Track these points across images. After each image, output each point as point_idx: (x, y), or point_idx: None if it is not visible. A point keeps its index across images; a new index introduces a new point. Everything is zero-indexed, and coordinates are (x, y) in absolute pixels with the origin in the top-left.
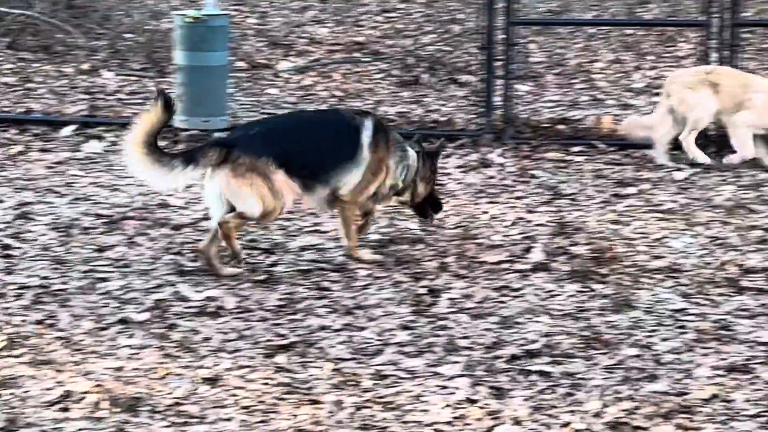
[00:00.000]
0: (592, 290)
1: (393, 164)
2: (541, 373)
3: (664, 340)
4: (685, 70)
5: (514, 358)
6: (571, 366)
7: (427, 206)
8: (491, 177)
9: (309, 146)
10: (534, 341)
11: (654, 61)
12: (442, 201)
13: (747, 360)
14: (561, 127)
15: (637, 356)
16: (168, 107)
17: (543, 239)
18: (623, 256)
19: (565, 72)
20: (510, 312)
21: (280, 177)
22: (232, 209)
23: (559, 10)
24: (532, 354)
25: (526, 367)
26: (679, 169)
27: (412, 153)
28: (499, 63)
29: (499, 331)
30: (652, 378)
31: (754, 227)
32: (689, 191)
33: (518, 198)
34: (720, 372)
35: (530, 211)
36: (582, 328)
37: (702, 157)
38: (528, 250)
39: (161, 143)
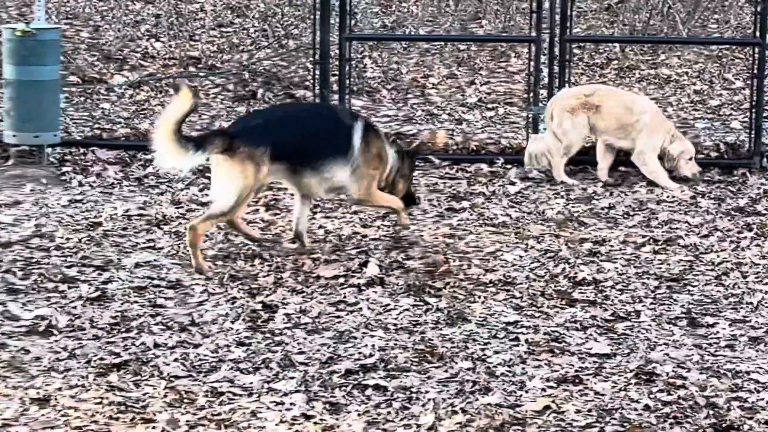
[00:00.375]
0: (427, 304)
1: (381, 162)
2: (377, 388)
3: (497, 352)
4: (568, 91)
5: (349, 372)
6: (406, 380)
7: (404, 198)
8: None
9: (303, 135)
10: (369, 355)
11: (487, 76)
12: (417, 196)
13: (578, 371)
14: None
15: (471, 369)
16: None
17: (378, 254)
18: (457, 270)
19: (400, 87)
20: (346, 327)
21: (266, 168)
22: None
23: (394, 25)
24: (367, 368)
25: (361, 382)
26: (511, 183)
27: (392, 153)
28: (333, 78)
29: (335, 346)
30: (486, 390)
31: (584, 240)
32: (522, 205)
33: (354, 213)
34: (552, 384)
35: (365, 226)
36: (417, 341)
37: (569, 182)
38: (364, 264)
39: None
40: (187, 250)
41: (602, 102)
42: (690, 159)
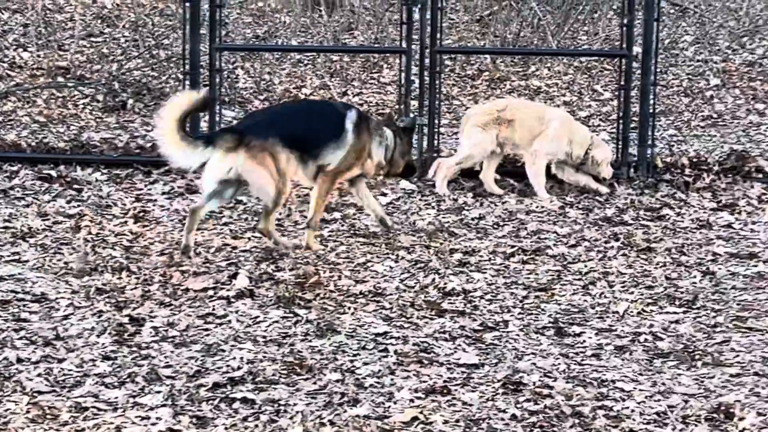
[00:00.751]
0: (297, 315)
1: (375, 147)
2: (244, 401)
3: (366, 363)
4: (480, 107)
5: (217, 386)
6: (274, 392)
7: (406, 172)
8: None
9: (306, 127)
10: (238, 368)
11: (360, 87)
12: (416, 166)
13: (446, 382)
14: None
15: (340, 381)
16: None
17: (248, 265)
18: (327, 281)
19: (273, 98)
20: (214, 339)
21: (284, 156)
22: (231, 183)
23: (266, 36)
24: (235, 381)
25: (229, 395)
26: (383, 194)
27: (389, 133)
28: (204, 89)
29: (203, 359)
30: (354, 402)
31: (454, 250)
32: (393, 216)
33: (225, 224)
34: (420, 395)
35: (236, 237)
36: (286, 353)
37: (446, 194)
38: (233, 276)
39: None
40: (272, 247)
41: (515, 115)
42: (608, 164)
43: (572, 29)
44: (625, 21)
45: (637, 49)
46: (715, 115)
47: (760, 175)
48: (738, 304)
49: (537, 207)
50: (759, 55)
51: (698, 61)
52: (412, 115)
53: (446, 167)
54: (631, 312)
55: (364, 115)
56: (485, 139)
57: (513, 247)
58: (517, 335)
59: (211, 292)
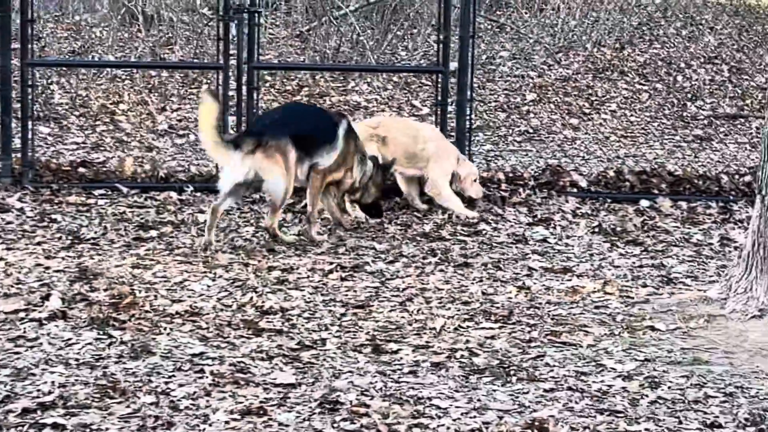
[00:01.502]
0: (111, 337)
1: (356, 165)
2: (55, 426)
3: (182, 385)
4: (355, 125)
5: (26, 411)
6: (86, 417)
7: (373, 209)
8: (9, 222)
9: (308, 128)
10: (49, 393)
11: (178, 103)
12: (383, 211)
13: (263, 402)
14: (83, 170)
15: (154, 403)
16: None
17: (61, 286)
18: (143, 301)
19: (89, 114)
20: (24, 363)
21: (292, 156)
22: (250, 185)
23: (83, 51)
24: (45, 406)
25: (39, 421)
26: (201, 211)
27: (370, 162)
28: (17, 105)
29: (12, 383)
30: (168, 425)
31: (273, 268)
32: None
33: (38, 244)
34: (236, 416)
35: (49, 257)
36: (99, 376)
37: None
38: (46, 297)
39: None
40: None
41: (388, 132)
42: (475, 180)
43: (391, 45)
44: (442, 37)
45: (454, 65)
46: (531, 130)
47: (575, 190)
48: (552, 319)
49: (354, 224)
50: (573, 70)
51: (515, 76)
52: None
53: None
54: (448, 328)
55: (353, 128)
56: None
57: (331, 263)
58: (335, 353)
59: (22, 314)
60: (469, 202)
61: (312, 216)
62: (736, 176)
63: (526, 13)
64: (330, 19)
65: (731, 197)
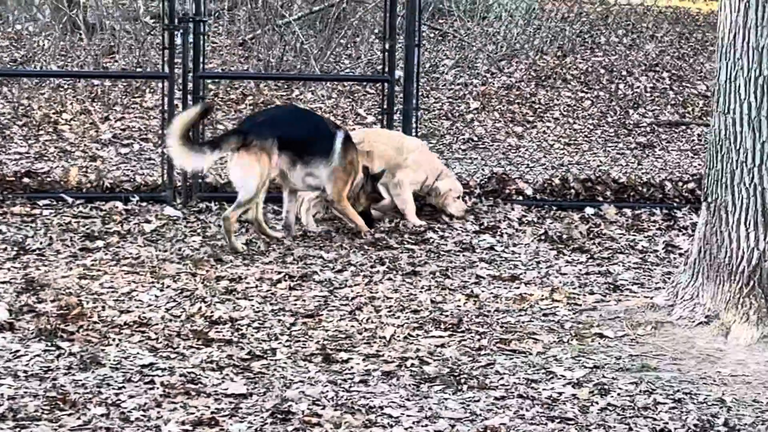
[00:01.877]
0: (59, 348)
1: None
2: None
3: (132, 396)
4: None
5: None
6: (36, 429)
7: (363, 218)
8: None
9: (299, 132)
10: None
11: (122, 112)
12: (373, 220)
13: (214, 413)
14: (27, 180)
15: (105, 415)
16: (204, 111)
17: (8, 297)
18: (91, 312)
19: (32, 123)
20: None
21: (276, 157)
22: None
23: (24, 60)
24: None
25: None
26: (147, 221)
27: (360, 173)
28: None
29: None
30: None
31: (221, 278)
32: (158, 243)
33: None
34: (187, 427)
35: None
36: (48, 388)
37: (313, 227)
38: None
39: None
40: (223, 235)
41: (372, 146)
42: (458, 197)
43: (335, 53)
44: (387, 46)
45: (399, 73)
46: (475, 138)
47: (521, 198)
48: (501, 327)
49: (303, 232)
50: (516, 78)
51: (458, 84)
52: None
53: (308, 200)
54: (398, 337)
55: (351, 138)
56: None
57: (280, 273)
58: (286, 363)
59: None
60: (450, 218)
61: (359, 227)
62: (680, 183)
63: (468, 21)
64: (273, 27)
65: (675, 204)
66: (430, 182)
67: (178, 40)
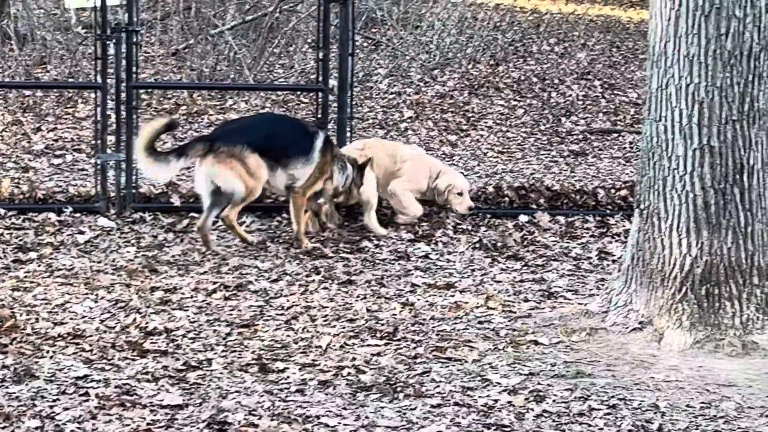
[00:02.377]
0: None
1: (336, 171)
2: None
3: (67, 409)
4: (344, 149)
5: None
6: None
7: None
8: None
9: (277, 138)
10: None
11: (54, 122)
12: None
13: (150, 424)
14: None
15: (39, 428)
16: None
17: None
18: (24, 324)
19: None
20: None
21: (252, 160)
22: (218, 191)
23: None
24: None
25: None
26: (81, 232)
27: (349, 166)
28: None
29: None
30: None
31: (156, 288)
32: (92, 254)
33: None
34: None
35: None
36: None
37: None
38: None
39: None
40: (230, 232)
41: (372, 154)
42: (460, 193)
43: (268, 63)
44: (321, 55)
45: (332, 83)
46: None
47: None
48: (437, 335)
49: (238, 242)
50: (450, 87)
51: (392, 93)
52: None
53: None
54: (334, 346)
55: (330, 139)
56: (373, 177)
57: (215, 283)
58: (221, 373)
59: None
60: (461, 218)
61: (299, 234)
62: (613, 190)
63: (401, 30)
64: (206, 37)
65: (608, 211)
66: (432, 185)
67: (111, 50)
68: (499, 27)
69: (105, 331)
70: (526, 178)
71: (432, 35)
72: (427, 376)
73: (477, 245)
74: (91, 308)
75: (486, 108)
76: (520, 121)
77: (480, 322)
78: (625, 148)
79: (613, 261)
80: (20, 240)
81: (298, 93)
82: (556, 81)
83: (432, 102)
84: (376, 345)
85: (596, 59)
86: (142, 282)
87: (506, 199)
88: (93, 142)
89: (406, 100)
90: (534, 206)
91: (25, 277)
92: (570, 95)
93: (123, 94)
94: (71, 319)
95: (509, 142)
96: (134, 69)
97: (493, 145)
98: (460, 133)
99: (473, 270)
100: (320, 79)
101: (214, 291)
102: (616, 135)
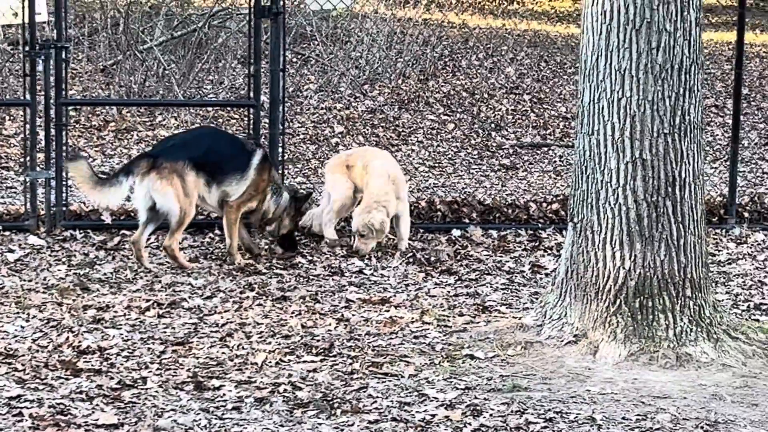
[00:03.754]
0: None
1: (270, 193)
2: None
3: (0, 429)
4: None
5: None
6: None
7: (287, 241)
8: None
9: (215, 154)
10: None
11: None
12: (298, 243)
13: None
14: None
15: None
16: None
17: None
18: None
19: None
20: None
21: (191, 178)
22: (154, 209)
23: None
24: None
25: None
26: (11, 251)
27: (285, 194)
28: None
29: None
30: None
31: (88, 307)
32: (22, 273)
33: None
34: None
35: None
36: None
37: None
38: None
39: None
40: (171, 262)
41: (354, 162)
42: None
43: (197, 78)
44: (252, 71)
45: (263, 98)
46: None
47: None
48: (373, 350)
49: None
50: (380, 102)
51: (322, 108)
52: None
53: (326, 214)
54: (270, 362)
55: (269, 158)
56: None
57: (148, 300)
58: (157, 392)
59: None
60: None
61: (232, 248)
62: (544, 204)
63: (331, 45)
64: (135, 53)
65: (540, 225)
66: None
67: (40, 67)
68: (428, 42)
69: (37, 351)
70: (459, 193)
71: (362, 51)
72: (364, 391)
73: (411, 260)
74: (22, 327)
75: (416, 123)
76: (451, 136)
77: (415, 337)
78: (555, 161)
79: (546, 274)
80: None
81: (228, 109)
82: (486, 95)
83: (362, 117)
84: (312, 361)
85: (525, 74)
86: (73, 300)
87: (439, 213)
88: (21, 159)
89: (337, 115)
90: (466, 220)
91: None
92: (500, 109)
93: (52, 111)
94: (2, 338)
95: (440, 156)
96: (63, 85)
97: (424, 159)
98: (391, 148)
99: (407, 285)
100: (251, 95)
101: (148, 309)
102: (546, 149)
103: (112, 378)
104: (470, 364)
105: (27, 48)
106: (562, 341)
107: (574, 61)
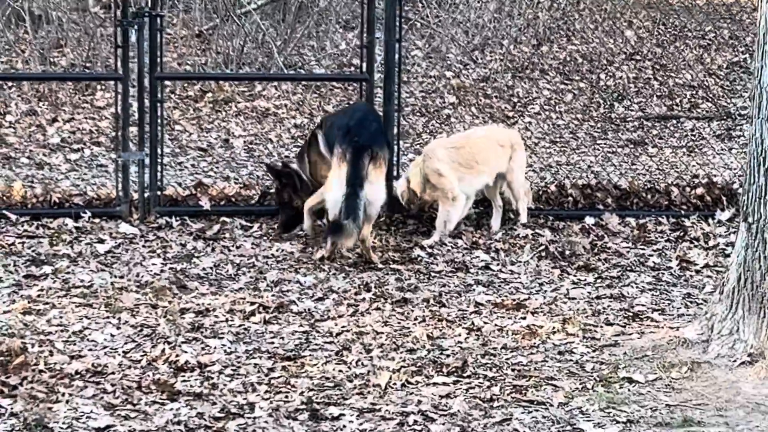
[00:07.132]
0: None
1: None
2: None
3: None
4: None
5: None
6: None
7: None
8: None
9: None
10: None
11: (71, 112)
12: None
13: None
14: None
15: None
16: None
17: None
18: (37, 358)
19: None
20: None
21: None
22: None
23: None
24: None
25: None
26: (101, 241)
27: None
28: None
29: None
30: None
31: (186, 310)
32: (113, 268)
33: None
34: None
35: None
36: None
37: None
38: None
39: None
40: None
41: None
42: None
43: (298, 44)
44: (366, 42)
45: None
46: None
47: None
48: (513, 370)
49: (277, 250)
50: (492, 69)
51: (431, 77)
52: None
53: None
54: (395, 384)
55: None
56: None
57: (253, 303)
58: (266, 422)
59: None
60: None
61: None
62: (687, 188)
63: (436, 8)
64: (232, 16)
65: (683, 212)
66: None
67: (133, 38)
68: (540, 3)
69: (129, 367)
70: (586, 172)
71: (470, 14)
72: (508, 424)
73: (542, 253)
74: (113, 336)
75: (532, 92)
76: (570, 107)
77: (560, 353)
78: (686, 136)
79: (697, 271)
80: (33, 251)
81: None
82: (605, 62)
83: (474, 86)
84: (444, 383)
85: (644, 38)
86: (170, 302)
87: (570, 198)
88: (113, 134)
89: (447, 84)
90: (601, 206)
91: (38, 296)
92: (620, 77)
93: (146, 85)
94: (90, 350)
95: (561, 130)
96: (158, 58)
97: (545, 134)
98: (507, 121)
99: (542, 284)
100: (364, 67)
101: (252, 313)
102: (674, 121)
103: (214, 404)
104: (629, 390)
105: (119, 17)
106: (735, 361)
107: (694, 26)
